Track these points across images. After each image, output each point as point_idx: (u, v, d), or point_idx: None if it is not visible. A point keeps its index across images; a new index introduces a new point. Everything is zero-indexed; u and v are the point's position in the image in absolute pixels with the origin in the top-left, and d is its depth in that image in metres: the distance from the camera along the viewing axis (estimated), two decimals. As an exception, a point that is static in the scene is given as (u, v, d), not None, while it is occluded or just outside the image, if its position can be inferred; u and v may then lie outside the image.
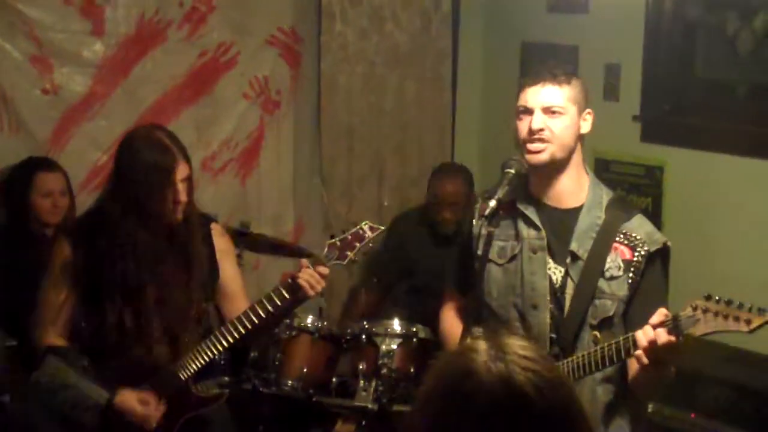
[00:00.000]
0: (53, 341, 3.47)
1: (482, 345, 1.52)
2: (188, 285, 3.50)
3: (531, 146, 2.93)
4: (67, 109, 4.92)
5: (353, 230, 3.49)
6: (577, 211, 3.00)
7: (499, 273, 3.04)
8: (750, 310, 2.56)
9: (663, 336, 2.64)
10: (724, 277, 4.52)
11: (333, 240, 3.49)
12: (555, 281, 2.96)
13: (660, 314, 2.68)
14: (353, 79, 5.73)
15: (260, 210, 5.52)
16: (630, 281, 2.91)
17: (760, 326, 2.56)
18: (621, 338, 2.76)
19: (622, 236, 2.94)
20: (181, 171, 3.40)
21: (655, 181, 5.05)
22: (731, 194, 4.72)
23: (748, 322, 2.56)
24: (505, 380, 1.46)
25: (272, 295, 3.42)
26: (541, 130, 2.91)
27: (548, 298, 2.96)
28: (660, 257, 2.95)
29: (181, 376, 3.46)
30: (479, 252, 2.96)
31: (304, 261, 3.46)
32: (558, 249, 2.98)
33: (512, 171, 2.91)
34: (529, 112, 2.95)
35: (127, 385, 3.42)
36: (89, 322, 3.47)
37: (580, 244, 2.95)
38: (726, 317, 2.58)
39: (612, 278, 2.91)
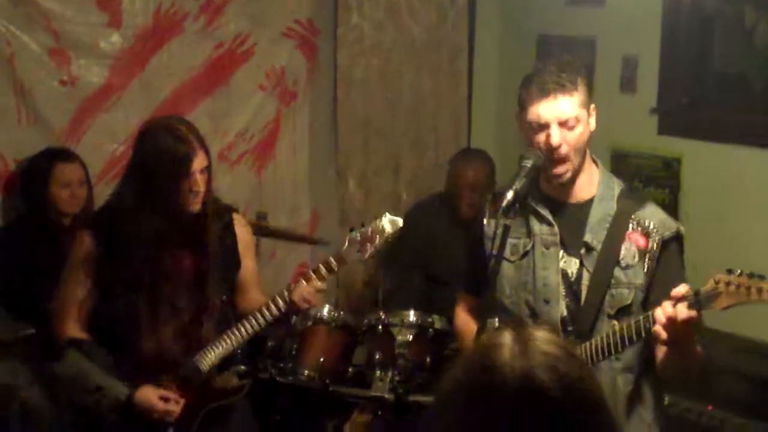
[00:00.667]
0: (74, 333, 3.48)
1: (507, 339, 1.54)
2: (204, 275, 3.50)
3: (554, 170, 2.89)
4: (84, 101, 4.92)
5: (373, 223, 3.50)
6: (588, 203, 2.98)
7: (511, 270, 3.02)
8: None
9: (683, 311, 2.60)
10: (742, 267, 4.50)
11: (353, 233, 3.49)
12: (570, 274, 2.95)
13: (681, 289, 2.65)
14: (369, 71, 5.73)
15: (276, 201, 5.53)
16: (646, 269, 2.89)
17: None
18: (641, 317, 2.73)
19: (635, 224, 2.92)
20: (199, 161, 3.40)
21: (672, 174, 5.04)
22: (748, 186, 4.72)
23: None
24: (527, 377, 1.49)
25: (277, 298, 3.52)
26: (560, 145, 2.87)
27: (561, 293, 2.94)
28: (675, 243, 2.93)
29: (202, 369, 3.47)
30: (493, 250, 2.89)
31: (303, 276, 3.52)
32: (571, 242, 2.96)
33: (530, 162, 2.86)
34: (544, 127, 2.87)
35: (145, 377, 3.43)
36: (105, 313, 3.48)
37: (594, 235, 2.94)
38: (748, 289, 2.56)
39: (627, 267, 2.90)
